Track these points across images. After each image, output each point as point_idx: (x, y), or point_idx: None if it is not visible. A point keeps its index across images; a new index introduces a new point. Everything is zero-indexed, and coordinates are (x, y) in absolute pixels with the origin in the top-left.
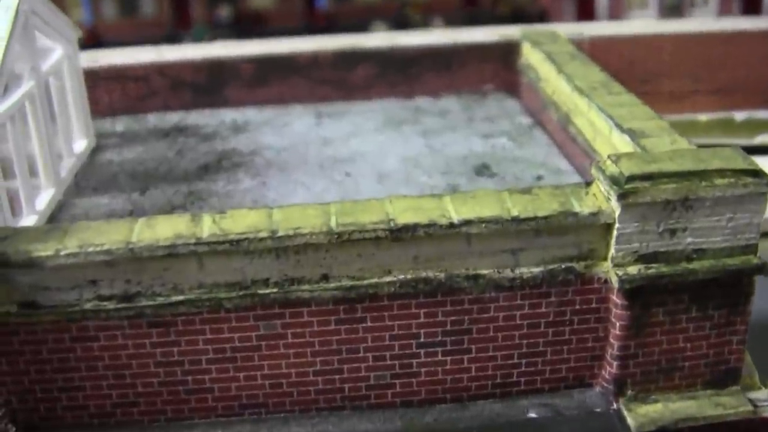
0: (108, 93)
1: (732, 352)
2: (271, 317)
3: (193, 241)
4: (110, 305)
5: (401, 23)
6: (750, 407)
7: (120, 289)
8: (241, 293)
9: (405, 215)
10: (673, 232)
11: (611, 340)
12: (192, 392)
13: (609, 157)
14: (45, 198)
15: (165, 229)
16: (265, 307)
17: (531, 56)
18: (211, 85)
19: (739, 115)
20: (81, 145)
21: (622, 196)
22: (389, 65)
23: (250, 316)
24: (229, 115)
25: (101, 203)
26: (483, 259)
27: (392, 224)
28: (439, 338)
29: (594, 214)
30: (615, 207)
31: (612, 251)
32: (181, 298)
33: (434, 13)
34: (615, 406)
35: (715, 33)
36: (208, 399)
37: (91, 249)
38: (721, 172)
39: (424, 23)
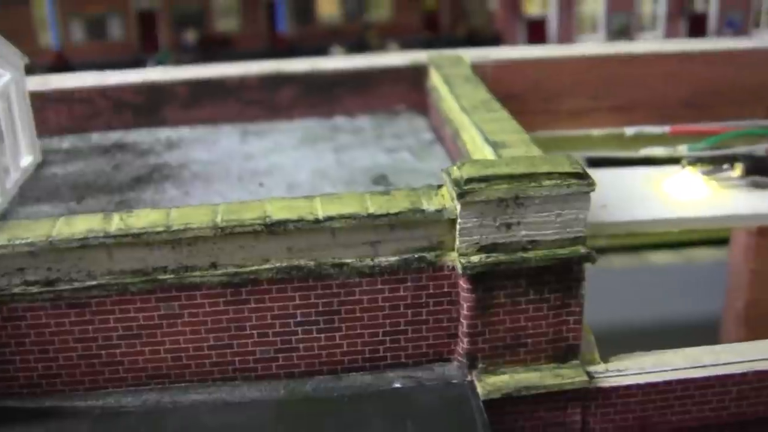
0: (56, 113)
1: (570, 331)
2: (169, 299)
3: (102, 234)
4: (35, 289)
5: (360, 47)
6: (586, 378)
7: (42, 276)
8: (143, 279)
9: (280, 212)
10: (508, 226)
11: (461, 320)
12: (105, 365)
13: (455, 163)
14: None
15: (80, 226)
16: (164, 291)
17: (434, 78)
18: (150, 106)
19: (629, 131)
20: (27, 160)
21: (460, 195)
22: (311, 87)
23: (152, 298)
24: (165, 133)
25: (42, 211)
26: (347, 250)
27: (267, 220)
28: (313, 318)
29: (439, 211)
30: (456, 205)
31: (457, 242)
32: (94, 282)
33: (394, 36)
34: (468, 377)
35: (612, 55)
36: (120, 371)
37: (18, 242)
38: (549, 175)
39: (381, 47)
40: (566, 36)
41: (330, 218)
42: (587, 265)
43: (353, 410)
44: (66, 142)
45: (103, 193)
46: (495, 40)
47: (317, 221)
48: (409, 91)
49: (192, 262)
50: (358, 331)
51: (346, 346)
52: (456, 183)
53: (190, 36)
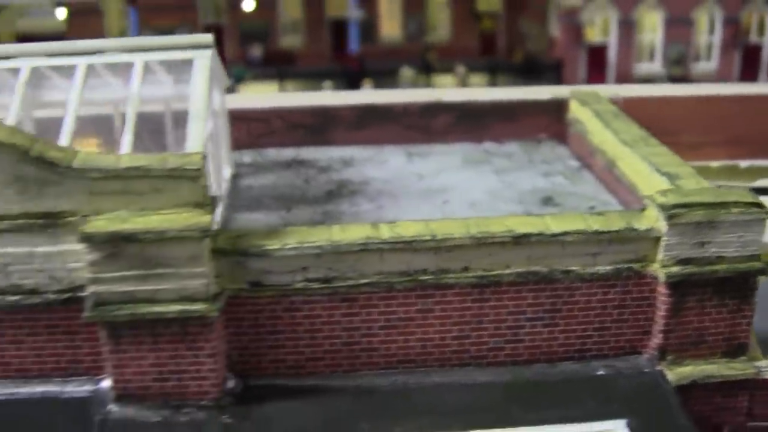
0: (237, 130)
1: (742, 331)
2: (426, 297)
3: (378, 240)
4: (315, 285)
5: (427, 67)
6: (753, 370)
7: (322, 274)
8: (407, 278)
9: (521, 227)
10: (702, 244)
11: (657, 320)
12: (364, 350)
13: (658, 192)
14: (217, 211)
15: (355, 233)
16: (423, 289)
17: (579, 112)
18: (320, 127)
19: (744, 163)
20: (227, 171)
21: (669, 218)
22: (464, 115)
23: (412, 295)
24: (335, 152)
25: (258, 218)
26: (573, 259)
27: (513, 233)
28: (540, 314)
29: (648, 230)
30: (663, 225)
31: (660, 256)
32: (365, 281)
33: (452, 58)
34: (658, 368)
35: (725, 95)
36: (374, 356)
37: (306, 245)
38: (736, 204)
39: (447, 68)
40: (625, 63)
41: (564, 233)
42: (761, 278)
43: (567, 392)
44: (246, 157)
45: (304, 204)
46: (555, 66)
47: (553, 235)
48: (550, 121)
49: (448, 265)
50: (573, 327)
51: (562, 339)
52: (663, 207)
53: (256, 51)
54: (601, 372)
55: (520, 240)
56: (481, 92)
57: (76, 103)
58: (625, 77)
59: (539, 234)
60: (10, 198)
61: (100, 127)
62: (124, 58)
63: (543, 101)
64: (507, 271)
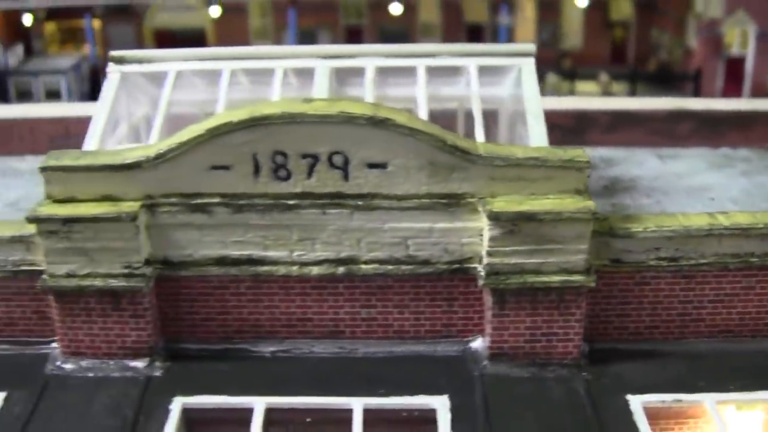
0: None
1: None
2: (751, 276)
3: (719, 227)
4: (663, 263)
5: (569, 74)
6: None
7: (670, 254)
8: (738, 260)
9: None
10: None
11: None
12: (693, 321)
13: None
14: None
15: (698, 220)
16: (749, 269)
17: None
18: (577, 128)
19: None
20: None
21: None
22: (703, 122)
23: (739, 274)
24: (592, 152)
25: None
26: None
27: None
28: None
29: None
30: None
31: None
32: (704, 261)
33: (583, 65)
34: None
35: None
36: (701, 326)
37: (664, 228)
38: None
39: (593, 76)
40: (761, 74)
41: None
42: None
43: None
44: None
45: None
46: (692, 76)
47: None
48: None
49: None
50: None
51: None
52: None
53: None
54: None
55: None
56: (720, 102)
57: (425, 99)
58: (760, 89)
59: None
60: (421, 180)
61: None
62: (457, 62)
63: None
64: None
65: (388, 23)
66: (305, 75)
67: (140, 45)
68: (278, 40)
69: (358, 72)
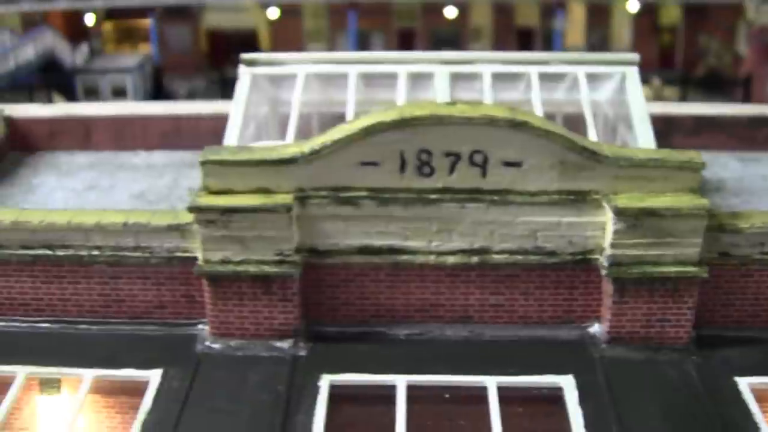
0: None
1: None
2: None
3: None
4: (766, 257)
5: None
6: None
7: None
8: None
9: None
10: None
11: None
12: None
13: None
14: None
15: None
16: None
17: None
18: (663, 131)
19: None
20: None
21: None
22: None
23: None
24: None
25: None
26: None
27: None
28: None
29: None
30: None
31: None
32: None
33: None
34: None
35: None
36: None
37: None
38: None
39: (645, 80)
40: None
41: None
42: None
43: None
44: None
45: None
46: (742, 82)
47: None
48: None
49: None
50: None
51: None
52: None
53: None
54: None
55: None
56: None
57: (540, 104)
58: None
59: None
60: (552, 178)
61: None
62: (567, 69)
63: None
64: None
65: (440, 26)
66: (418, 79)
67: (196, 46)
68: (333, 43)
69: (469, 77)
